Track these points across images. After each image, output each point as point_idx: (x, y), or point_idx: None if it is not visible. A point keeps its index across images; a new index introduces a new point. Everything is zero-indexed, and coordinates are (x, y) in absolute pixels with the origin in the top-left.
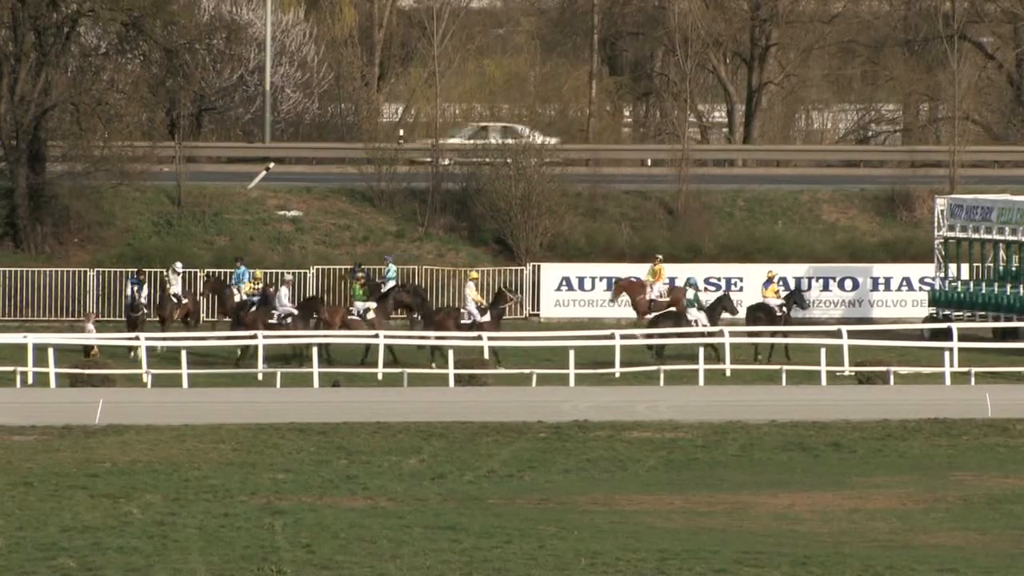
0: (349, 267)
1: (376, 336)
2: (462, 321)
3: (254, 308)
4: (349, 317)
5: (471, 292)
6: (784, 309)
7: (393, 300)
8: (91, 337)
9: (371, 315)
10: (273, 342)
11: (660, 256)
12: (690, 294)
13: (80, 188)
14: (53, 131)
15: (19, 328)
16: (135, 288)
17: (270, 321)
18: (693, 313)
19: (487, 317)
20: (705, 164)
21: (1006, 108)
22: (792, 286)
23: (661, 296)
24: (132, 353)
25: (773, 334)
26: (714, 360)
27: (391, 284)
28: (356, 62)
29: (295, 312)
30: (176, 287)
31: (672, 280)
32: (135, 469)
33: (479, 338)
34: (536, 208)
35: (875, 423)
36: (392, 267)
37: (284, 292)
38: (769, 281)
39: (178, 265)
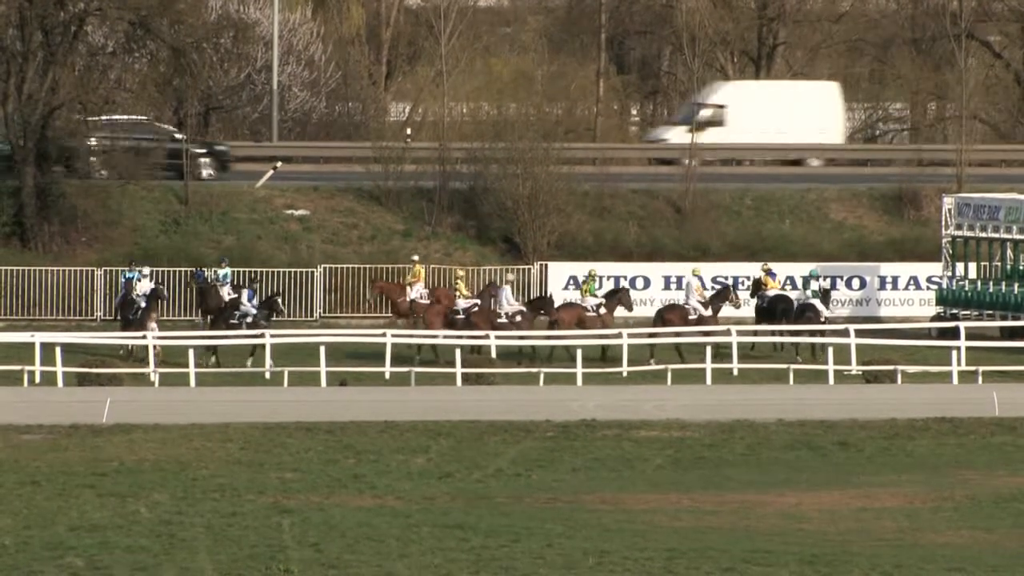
0: (193, 269)
1: (383, 335)
2: (689, 317)
3: (475, 309)
4: (587, 314)
5: (696, 286)
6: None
7: (619, 298)
8: (151, 336)
9: (603, 310)
10: (279, 342)
11: (416, 258)
12: (814, 286)
13: (87, 187)
14: (61, 130)
15: (26, 327)
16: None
17: (499, 320)
18: (817, 305)
19: (709, 311)
20: (712, 163)
21: (1013, 107)
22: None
23: (421, 298)
24: (213, 358)
25: (784, 332)
26: (808, 360)
27: (227, 287)
28: (363, 61)
29: (523, 310)
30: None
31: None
32: (142, 468)
33: (486, 337)
34: (543, 207)
35: (882, 422)
36: (227, 270)
37: (507, 291)
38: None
39: (145, 269)
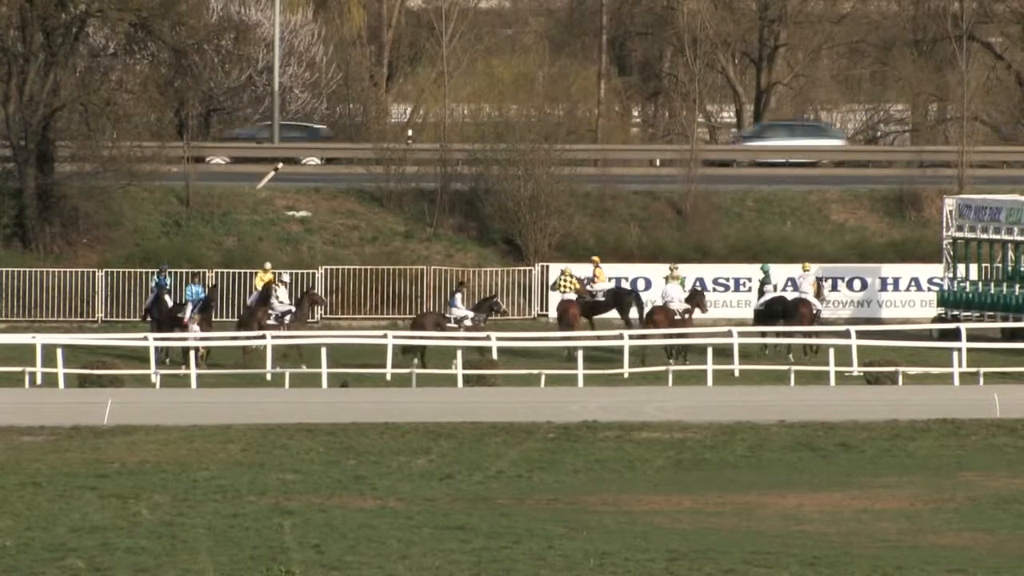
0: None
1: (384, 336)
2: (814, 312)
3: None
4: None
5: (811, 283)
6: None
7: (697, 300)
8: (192, 337)
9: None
10: (280, 342)
11: (269, 265)
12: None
13: (89, 189)
14: (62, 131)
15: (28, 328)
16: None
17: (676, 318)
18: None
19: (822, 306)
20: (714, 164)
21: (1015, 108)
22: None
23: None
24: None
25: (779, 334)
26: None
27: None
28: (364, 62)
29: (689, 307)
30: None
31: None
32: (144, 469)
33: (487, 338)
34: (545, 208)
35: (884, 423)
36: (165, 278)
37: (676, 287)
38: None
39: (285, 276)
